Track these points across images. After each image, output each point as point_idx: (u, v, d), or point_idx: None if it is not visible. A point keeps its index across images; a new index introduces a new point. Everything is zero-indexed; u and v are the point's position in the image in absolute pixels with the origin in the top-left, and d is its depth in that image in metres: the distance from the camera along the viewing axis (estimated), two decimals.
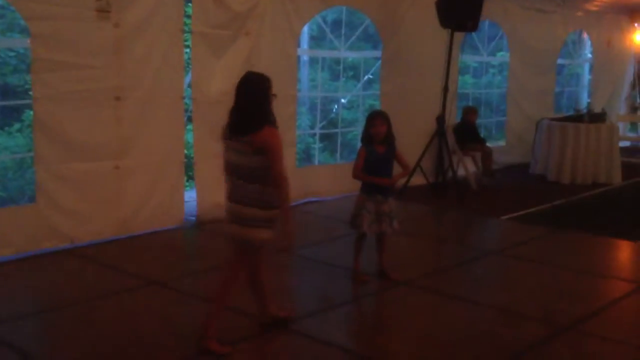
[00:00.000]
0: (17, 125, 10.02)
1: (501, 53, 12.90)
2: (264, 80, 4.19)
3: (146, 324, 4.65)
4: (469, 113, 10.03)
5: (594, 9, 12.39)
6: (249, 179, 4.12)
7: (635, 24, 14.12)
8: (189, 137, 7.61)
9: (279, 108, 7.86)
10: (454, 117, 10.00)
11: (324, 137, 11.77)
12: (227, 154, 4.24)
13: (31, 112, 6.30)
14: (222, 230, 6.92)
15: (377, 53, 9.62)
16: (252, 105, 4.12)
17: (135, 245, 6.48)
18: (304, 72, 12.29)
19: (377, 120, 5.37)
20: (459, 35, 9.19)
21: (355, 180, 5.55)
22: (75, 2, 6.04)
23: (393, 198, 5.52)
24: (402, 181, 8.14)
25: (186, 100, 7.16)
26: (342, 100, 12.43)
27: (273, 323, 4.56)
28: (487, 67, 14.32)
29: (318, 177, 8.68)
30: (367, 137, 5.44)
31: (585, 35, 13.73)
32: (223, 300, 4.32)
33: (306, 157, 12.19)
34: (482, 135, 10.57)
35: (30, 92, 6.13)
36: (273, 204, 4.11)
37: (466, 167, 9.79)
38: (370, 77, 10.68)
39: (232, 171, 4.22)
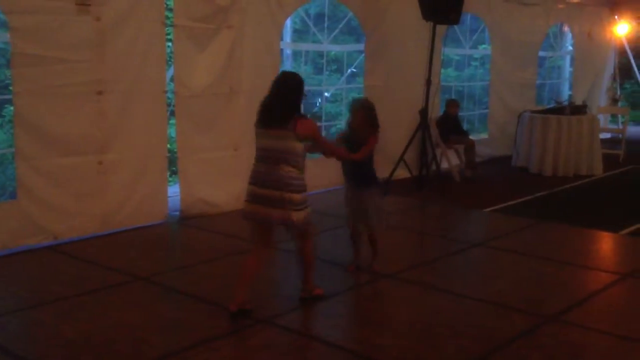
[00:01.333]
0: None
1: (483, 46, 12.95)
2: (299, 79, 4.77)
3: (132, 320, 4.62)
4: (450, 106, 10.08)
5: (575, 1, 12.47)
6: (287, 163, 4.58)
7: (616, 16, 14.22)
8: (172, 131, 7.57)
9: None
10: (437, 110, 10.04)
11: None
12: (262, 140, 4.67)
13: (12, 108, 6.24)
14: (204, 224, 6.99)
15: (360, 46, 9.62)
16: (288, 99, 4.66)
17: (119, 241, 6.44)
18: (287, 66, 12.23)
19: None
20: (441, 28, 9.21)
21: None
22: None
23: (372, 193, 5.47)
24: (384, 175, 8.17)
25: (168, 95, 7.12)
26: (326, 94, 12.42)
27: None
28: (469, 60, 14.38)
29: None
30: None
31: (566, 28, 13.81)
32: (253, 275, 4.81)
33: None
34: (464, 127, 10.62)
35: (11, 87, 6.07)
36: (304, 188, 4.66)
37: (449, 159, 9.84)
38: (354, 70, 10.68)
39: (267, 157, 4.63)
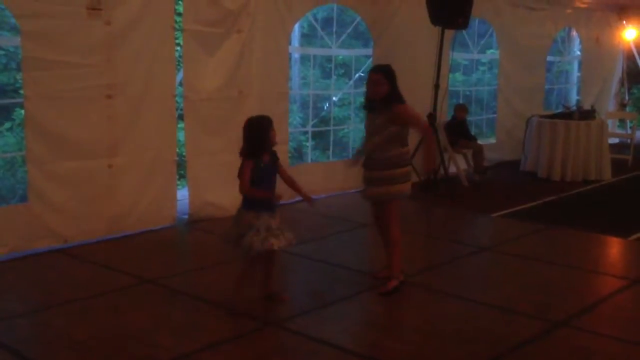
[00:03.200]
0: (7, 124, 9.98)
1: (491, 50, 12.95)
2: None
3: (141, 323, 4.64)
4: (459, 110, 10.08)
5: (583, 6, 12.46)
6: None
7: (624, 21, 14.20)
8: (181, 135, 7.60)
9: (271, 105, 7.98)
10: (445, 115, 10.04)
11: (316, 135, 11.78)
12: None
13: (21, 111, 6.28)
14: (213, 228, 7.00)
15: (368, 51, 9.63)
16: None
17: (128, 244, 6.47)
18: (295, 70, 12.28)
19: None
20: (449, 33, 9.21)
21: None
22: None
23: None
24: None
25: (177, 98, 7.15)
26: (334, 98, 12.44)
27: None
28: (477, 64, 14.38)
29: (310, 175, 8.65)
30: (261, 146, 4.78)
31: (574, 33, 13.80)
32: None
33: (298, 155, 12.20)
34: (472, 132, 10.61)
35: (21, 91, 6.10)
36: None
37: (457, 164, 9.83)
38: (362, 74, 10.69)
39: None
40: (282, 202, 4.87)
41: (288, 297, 5.16)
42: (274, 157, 4.86)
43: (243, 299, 4.85)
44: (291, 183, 4.99)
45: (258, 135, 4.74)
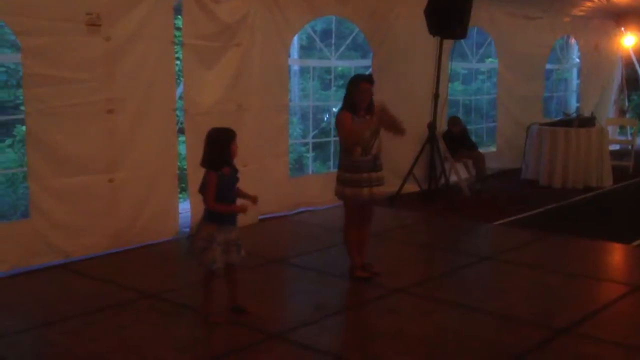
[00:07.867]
0: (8, 141, 10.00)
1: (490, 59, 12.99)
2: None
3: (143, 337, 4.64)
4: (452, 124, 10.07)
5: (581, 14, 12.51)
6: None
7: (622, 28, 14.24)
8: (182, 148, 7.62)
9: (271, 118, 8.00)
10: (444, 124, 10.06)
11: (316, 146, 11.79)
12: None
13: (22, 127, 6.29)
14: None
15: (367, 62, 9.66)
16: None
17: (130, 258, 6.47)
18: (295, 82, 12.30)
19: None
20: (447, 43, 9.24)
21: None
22: (65, 16, 6.04)
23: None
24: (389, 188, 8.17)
25: (177, 112, 7.17)
26: (334, 109, 12.44)
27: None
28: (476, 73, 14.41)
29: (311, 186, 8.69)
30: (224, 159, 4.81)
31: (572, 41, 13.83)
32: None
33: (299, 166, 12.20)
34: (473, 141, 10.62)
35: (22, 107, 6.12)
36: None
37: (458, 173, 9.84)
38: None
39: None
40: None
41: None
42: (234, 169, 4.87)
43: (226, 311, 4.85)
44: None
45: (216, 148, 4.77)
